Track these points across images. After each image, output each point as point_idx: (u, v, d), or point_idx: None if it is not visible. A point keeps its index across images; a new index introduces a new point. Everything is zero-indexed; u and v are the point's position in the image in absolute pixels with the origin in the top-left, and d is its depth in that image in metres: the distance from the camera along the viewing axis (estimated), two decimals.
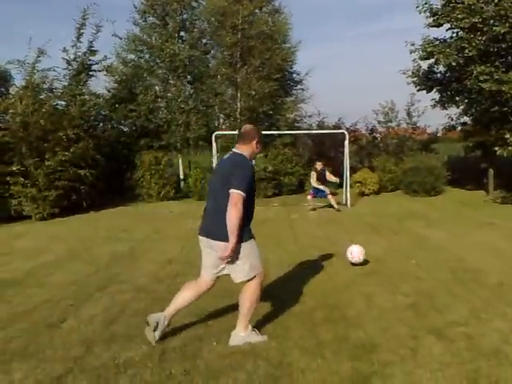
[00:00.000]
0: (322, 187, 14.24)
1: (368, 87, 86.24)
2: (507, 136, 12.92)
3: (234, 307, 4.96)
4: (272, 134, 18.87)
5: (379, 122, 20.31)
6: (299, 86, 20.29)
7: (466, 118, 16.33)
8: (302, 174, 18.32)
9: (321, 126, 20.07)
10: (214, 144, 14.98)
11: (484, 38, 13.09)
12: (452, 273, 6.96)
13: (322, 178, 14.43)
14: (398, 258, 7.99)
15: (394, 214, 13.11)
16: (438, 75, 16.28)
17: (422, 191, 17.14)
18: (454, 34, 14.75)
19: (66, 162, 14.30)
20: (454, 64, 14.00)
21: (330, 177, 14.47)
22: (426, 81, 16.16)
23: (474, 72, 13.20)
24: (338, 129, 19.88)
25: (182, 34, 19.72)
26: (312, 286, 6.47)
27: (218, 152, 15.70)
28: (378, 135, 20.52)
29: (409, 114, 20.22)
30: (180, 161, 19.94)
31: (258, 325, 5.00)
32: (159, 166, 17.51)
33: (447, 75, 15.99)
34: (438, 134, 21.67)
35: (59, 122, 14.68)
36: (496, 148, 13.43)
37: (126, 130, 19.10)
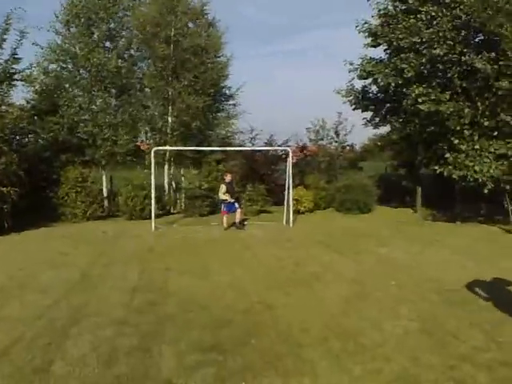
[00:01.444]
0: (230, 199, 13.99)
1: (297, 104, 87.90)
2: (447, 155, 13.43)
3: None
4: (202, 150, 18.41)
5: (310, 140, 20.55)
6: (231, 102, 19.97)
7: (394, 138, 16.77)
8: (237, 192, 17.95)
9: (253, 142, 19.90)
10: (152, 160, 14.23)
11: (423, 60, 13.57)
12: (438, 294, 6.96)
13: (230, 191, 14.21)
14: (374, 279, 7.89)
15: (340, 233, 13.17)
16: (371, 95, 16.73)
17: (355, 209, 17.46)
18: (390, 55, 15.22)
19: None
20: (392, 84, 14.40)
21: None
22: (361, 100, 16.55)
23: (413, 94, 13.64)
24: (270, 146, 19.88)
25: (107, 44, 18.76)
26: (310, 312, 6.15)
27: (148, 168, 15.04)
28: (308, 153, 20.71)
29: (337, 133, 20.64)
30: (104, 177, 18.83)
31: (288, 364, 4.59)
32: (85, 182, 16.40)
33: (380, 95, 16.47)
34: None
35: None
36: (436, 167, 13.92)
37: (44, 143, 17.59)
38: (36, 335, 5.47)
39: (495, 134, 12.96)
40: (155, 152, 15.02)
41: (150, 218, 15.74)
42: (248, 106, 35.01)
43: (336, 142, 20.50)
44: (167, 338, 5.34)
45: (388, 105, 16.21)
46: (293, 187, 17.88)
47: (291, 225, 14.49)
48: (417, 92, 13.43)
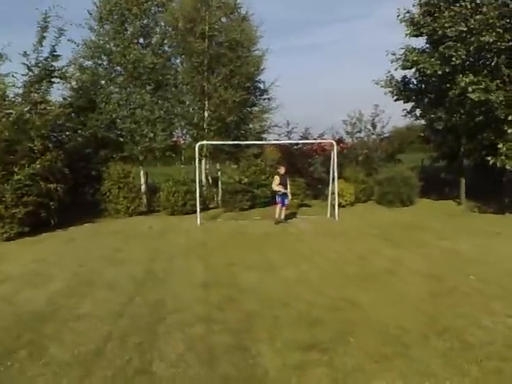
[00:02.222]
0: (284, 190, 13.68)
1: (331, 97, 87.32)
2: (500, 146, 13.08)
3: None
4: (239, 145, 18.27)
5: (347, 133, 20.24)
6: (265, 96, 19.76)
7: (439, 128, 16.39)
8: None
9: (290, 136, 19.65)
10: (196, 154, 14.12)
11: (471, 48, 13.22)
12: None
13: (284, 183, 13.91)
14: (451, 273, 7.65)
15: (391, 225, 12.93)
16: (412, 86, 16.40)
17: (396, 201, 17.16)
18: (434, 44, 14.88)
19: (35, 176, 12.90)
20: (439, 73, 14.07)
21: (289, 189, 14.01)
22: (403, 91, 16.23)
23: (462, 83, 13.30)
24: (306, 139, 19.64)
25: (141, 40, 18.67)
26: (400, 309, 5.94)
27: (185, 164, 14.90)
28: (344, 146, 20.41)
29: (373, 125, 20.29)
30: (142, 173, 18.78)
31: None
32: (127, 178, 16.36)
33: (422, 86, 16.14)
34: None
35: (24, 132, 13.26)
36: (489, 158, 13.57)
37: (83, 140, 17.57)
38: (124, 334, 5.36)
39: None
40: (194, 147, 14.91)
41: (191, 212, 15.77)
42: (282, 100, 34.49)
43: (373, 134, 20.12)
44: (261, 335, 5.19)
45: (430, 95, 15.79)
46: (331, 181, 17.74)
47: (336, 218, 14.25)
48: (467, 81, 13.07)
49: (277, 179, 13.72)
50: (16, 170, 12.52)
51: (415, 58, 14.52)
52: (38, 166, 12.81)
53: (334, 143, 14.66)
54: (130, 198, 16.15)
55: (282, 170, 13.84)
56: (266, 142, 17.82)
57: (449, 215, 14.80)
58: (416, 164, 22.18)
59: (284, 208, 13.82)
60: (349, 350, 4.72)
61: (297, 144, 18.67)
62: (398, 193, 17.00)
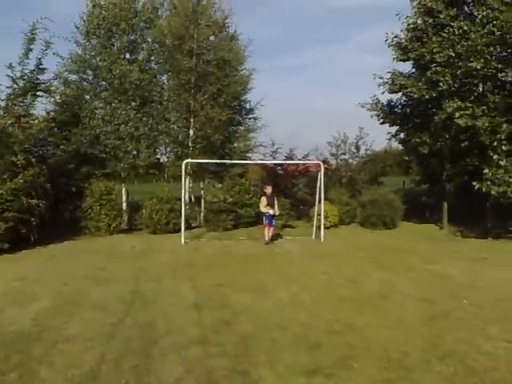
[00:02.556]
0: (271, 211, 13.57)
1: (314, 118, 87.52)
2: (486, 171, 13.25)
3: None
4: (223, 164, 18.22)
5: (332, 155, 20.34)
6: (251, 115, 19.83)
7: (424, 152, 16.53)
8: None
9: (274, 156, 19.68)
10: (183, 172, 13.98)
11: (458, 72, 13.47)
12: None
13: (271, 203, 13.81)
14: (443, 298, 7.60)
15: (377, 248, 12.94)
16: (397, 109, 16.62)
17: (380, 224, 17.21)
18: (421, 69, 15.13)
19: (17, 191, 12.60)
20: (427, 97, 14.28)
21: (276, 206, 13.90)
22: (388, 114, 16.42)
23: (449, 108, 13.51)
24: (290, 159, 19.67)
25: (127, 56, 18.60)
26: (397, 334, 5.88)
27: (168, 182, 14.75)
28: (329, 167, 20.47)
29: (357, 147, 20.45)
30: (123, 190, 18.52)
31: None
32: (110, 195, 16.09)
33: (407, 110, 16.36)
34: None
35: (7, 146, 12.99)
36: (474, 183, 13.72)
37: (66, 156, 17.26)
38: (118, 356, 5.17)
39: None
40: (179, 165, 14.76)
41: (174, 231, 15.62)
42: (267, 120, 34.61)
43: (357, 156, 20.26)
44: (260, 359, 5.05)
45: (416, 120, 16.01)
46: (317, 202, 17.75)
47: (322, 239, 14.20)
48: (455, 106, 13.28)
49: (264, 200, 13.65)
50: None
51: (403, 82, 14.74)
52: (21, 180, 12.51)
53: (322, 164, 14.69)
54: (111, 216, 15.86)
55: (268, 190, 13.78)
56: (253, 162, 17.82)
57: (432, 239, 14.89)
58: (397, 187, 22.36)
59: (271, 229, 13.70)
60: (353, 375, 4.62)
61: (282, 164, 18.63)
62: (381, 215, 17.07)
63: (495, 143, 13.13)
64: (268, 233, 13.60)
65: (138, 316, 6.66)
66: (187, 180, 18.67)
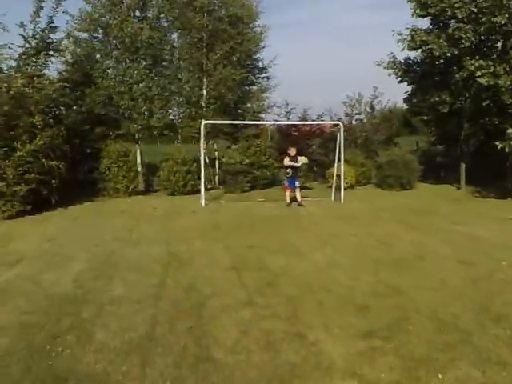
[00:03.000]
0: (296, 164, 13.47)
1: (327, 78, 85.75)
2: (509, 131, 13.04)
3: None
4: (237, 124, 18.03)
5: (346, 115, 20.08)
6: (264, 74, 19.48)
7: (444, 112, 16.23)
8: (276, 167, 17.64)
9: (289, 117, 19.44)
10: (202, 133, 13.81)
11: (481, 29, 13.14)
12: None
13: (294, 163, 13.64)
14: (480, 259, 7.55)
15: (399, 209, 12.86)
16: (416, 67, 16.27)
17: (397, 185, 17.12)
18: (442, 25, 14.75)
19: (37, 153, 12.49)
20: (448, 55, 13.97)
21: (301, 159, 13.71)
22: (407, 72, 16.11)
23: (471, 67, 13.23)
24: (304, 120, 19.44)
25: (137, 13, 18.11)
26: (445, 295, 5.87)
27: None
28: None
29: (372, 107, 20.18)
30: (138, 152, 18.37)
31: None
32: (127, 157, 16.00)
33: (425, 68, 16.01)
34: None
35: (23, 107, 12.80)
36: (497, 142, 13.54)
37: (81, 117, 17.03)
38: (170, 318, 5.19)
39: None
40: (192, 126, 14.56)
41: (192, 193, 15.60)
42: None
43: (373, 116, 19.98)
44: (312, 322, 5.06)
45: (435, 78, 15.67)
46: (333, 163, 17.60)
47: (342, 201, 14.14)
48: (476, 65, 12.99)
49: (286, 159, 13.51)
50: (18, 146, 12.08)
51: (424, 39, 14.33)
52: (40, 142, 12.38)
53: (341, 125, 14.49)
54: (129, 178, 15.83)
55: (292, 152, 13.62)
56: (271, 122, 17.62)
57: (452, 199, 14.82)
58: (409, 148, 22.14)
59: (297, 190, 13.57)
60: (411, 338, 4.62)
61: (295, 125, 18.39)
62: (398, 176, 16.94)
63: None
64: (289, 194, 13.53)
65: (178, 277, 6.67)
66: (201, 141, 18.52)
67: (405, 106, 20.52)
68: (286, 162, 13.48)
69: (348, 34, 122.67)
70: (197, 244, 8.82)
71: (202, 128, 13.84)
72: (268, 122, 17.54)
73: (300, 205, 13.42)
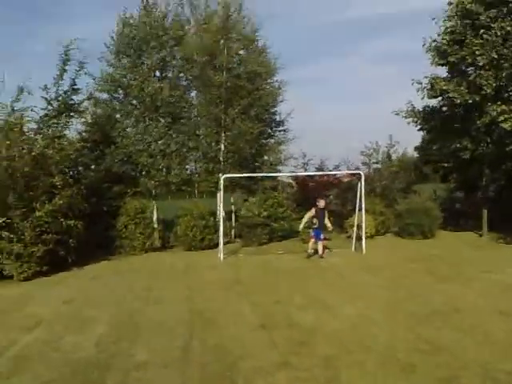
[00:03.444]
0: (317, 226, 13.21)
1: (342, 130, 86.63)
2: None
3: None
4: (254, 177, 17.91)
5: (364, 164, 19.97)
6: (281, 127, 19.57)
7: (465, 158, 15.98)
8: (294, 219, 17.39)
9: (306, 168, 19.33)
10: (221, 187, 13.68)
11: (503, 74, 13.14)
12: None
13: (321, 217, 13.46)
14: (479, 310, 7.20)
15: (426, 259, 12.44)
16: (435, 114, 16.23)
17: (417, 233, 16.74)
18: (461, 73, 14.80)
19: (55, 212, 12.41)
20: (470, 102, 13.92)
21: (327, 221, 13.61)
22: (426, 120, 16.07)
23: (493, 112, 13.17)
24: (321, 171, 19.32)
25: (157, 73, 18.46)
26: (496, 351, 5.48)
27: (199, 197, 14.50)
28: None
29: (389, 156, 20.07)
30: (155, 208, 18.23)
31: None
32: (144, 214, 15.91)
33: (444, 115, 15.96)
34: None
35: (44, 168, 12.83)
36: None
37: (100, 175, 17.08)
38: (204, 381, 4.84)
39: None
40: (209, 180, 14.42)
41: (209, 248, 15.36)
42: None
43: (391, 165, 19.85)
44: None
45: (456, 125, 15.56)
46: (353, 213, 17.31)
47: (364, 251, 13.79)
48: (499, 110, 12.91)
49: (312, 211, 13.30)
50: (37, 206, 12.02)
51: (444, 87, 14.32)
52: (60, 201, 12.32)
53: (362, 174, 14.34)
54: (146, 234, 15.69)
55: (321, 204, 13.43)
56: (292, 174, 17.52)
57: (476, 246, 14.42)
58: (427, 194, 21.78)
59: (321, 242, 13.31)
60: None
61: (312, 176, 18.27)
62: (419, 224, 16.58)
63: None
64: (312, 245, 13.26)
65: (204, 338, 6.34)
66: (218, 195, 18.45)
67: (415, 155, 20.43)
68: (306, 217, 13.26)
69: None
70: (219, 301, 8.52)
71: (222, 182, 13.71)
72: (287, 174, 17.44)
73: (321, 257, 13.11)
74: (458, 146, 15.18)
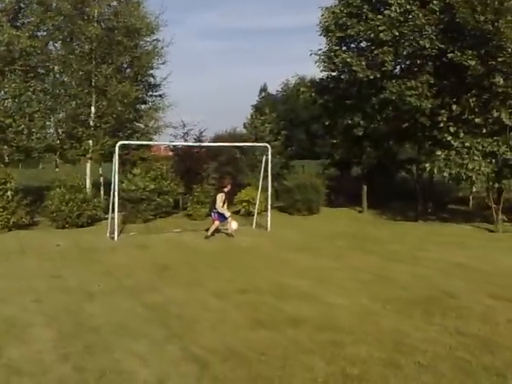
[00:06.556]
0: (225, 212, 12.20)
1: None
2: (439, 153, 13.16)
3: None
4: (129, 146, 16.03)
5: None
6: (157, 92, 17.78)
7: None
8: (180, 193, 16.05)
9: (186, 138, 17.85)
10: (116, 157, 11.74)
11: (404, 53, 13.36)
12: None
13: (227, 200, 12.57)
14: (468, 292, 6.99)
15: (344, 236, 12.11)
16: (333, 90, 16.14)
17: (304, 209, 16.65)
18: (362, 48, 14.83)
19: None
20: (371, 77, 13.94)
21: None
22: (323, 92, 15.93)
23: (393, 88, 13.37)
24: (199, 141, 18.12)
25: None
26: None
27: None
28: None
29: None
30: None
31: None
32: (8, 184, 13.23)
33: (342, 89, 15.95)
34: None
35: None
36: (427, 165, 13.59)
37: None
38: None
39: (484, 131, 12.96)
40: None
41: (87, 225, 13.43)
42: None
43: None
44: None
45: (349, 100, 15.61)
46: (241, 187, 16.57)
47: (269, 229, 13.13)
48: (409, 85, 13.17)
49: (222, 197, 12.09)
50: None
51: (348, 60, 14.06)
52: None
53: (269, 146, 13.56)
54: (10, 209, 13.03)
55: (227, 187, 12.41)
56: (188, 144, 16.04)
57: (370, 223, 14.84)
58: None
59: (218, 222, 12.25)
60: None
61: (200, 147, 16.99)
62: (307, 200, 16.46)
63: (441, 124, 13.18)
64: (214, 227, 12.14)
65: (198, 341, 5.01)
66: (88, 164, 16.23)
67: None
68: (219, 207, 12.08)
69: None
70: (171, 292, 7.05)
71: (117, 149, 11.74)
72: (184, 143, 15.96)
73: (230, 235, 12.09)
74: (350, 122, 15.22)
